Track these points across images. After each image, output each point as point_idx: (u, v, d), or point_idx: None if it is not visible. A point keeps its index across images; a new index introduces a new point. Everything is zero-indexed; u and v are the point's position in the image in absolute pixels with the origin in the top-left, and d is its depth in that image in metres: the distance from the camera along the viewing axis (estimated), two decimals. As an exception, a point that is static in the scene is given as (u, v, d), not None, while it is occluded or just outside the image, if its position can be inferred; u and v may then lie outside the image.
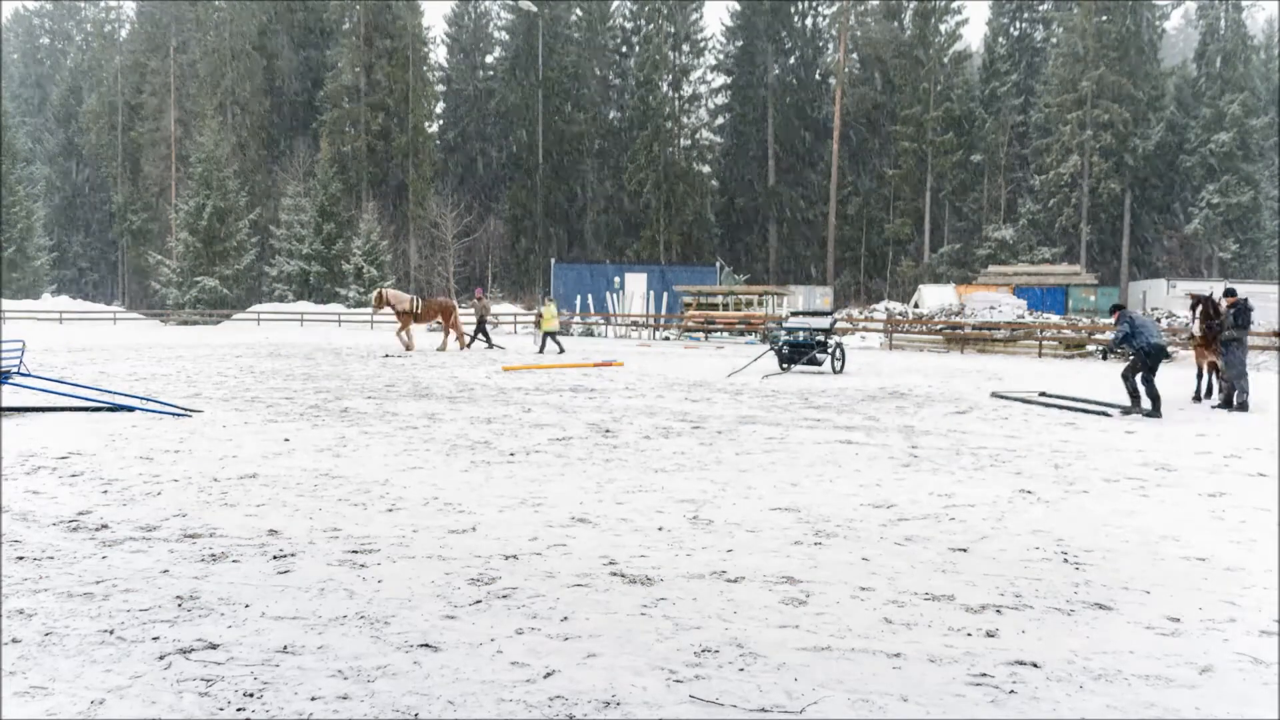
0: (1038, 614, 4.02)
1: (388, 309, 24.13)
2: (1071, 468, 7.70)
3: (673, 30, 59.72)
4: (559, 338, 23.55)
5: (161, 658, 3.40)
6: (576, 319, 41.43)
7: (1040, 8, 59.12)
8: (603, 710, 3.03)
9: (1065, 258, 52.04)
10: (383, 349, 24.92)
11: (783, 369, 18.31)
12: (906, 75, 55.06)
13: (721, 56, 64.29)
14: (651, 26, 59.44)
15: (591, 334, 39.70)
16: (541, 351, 22.41)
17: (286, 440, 8.57)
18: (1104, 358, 18.74)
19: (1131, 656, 3.55)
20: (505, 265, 61.09)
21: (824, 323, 19.10)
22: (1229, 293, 13.40)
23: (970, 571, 4.65)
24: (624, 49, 65.30)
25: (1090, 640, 3.71)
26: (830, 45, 62.67)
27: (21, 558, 4.66)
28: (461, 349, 23.95)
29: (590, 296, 43.65)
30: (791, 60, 62.84)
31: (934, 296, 39.65)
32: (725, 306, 38.72)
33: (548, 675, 3.29)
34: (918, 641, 3.67)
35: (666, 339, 36.83)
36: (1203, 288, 40.35)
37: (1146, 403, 11.73)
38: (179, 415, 10.23)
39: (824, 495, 6.44)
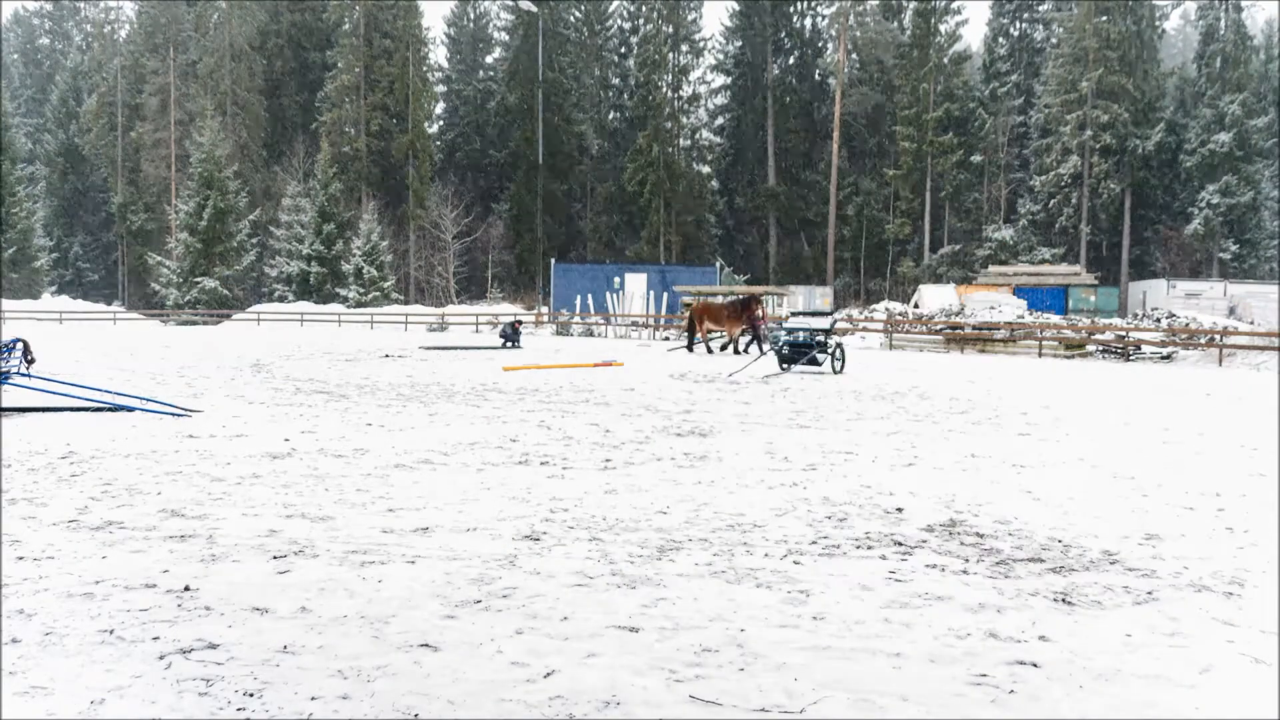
0: (1038, 614, 4.02)
1: None
2: (1073, 468, 7.70)
3: (671, 30, 59.74)
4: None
5: (161, 658, 3.40)
6: (576, 319, 41.45)
7: (1040, 8, 59.15)
8: (603, 710, 3.03)
9: (1065, 258, 52.07)
10: (381, 349, 24.93)
11: (783, 369, 18.31)
12: (906, 75, 55.07)
13: (721, 56, 64.33)
14: (650, 27, 59.47)
15: (591, 334, 39.72)
16: None
17: (286, 440, 8.57)
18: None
19: (1131, 656, 3.55)
20: (505, 265, 61.08)
21: (824, 323, 19.11)
22: None
23: (970, 571, 4.65)
24: (623, 49, 65.32)
25: (1090, 640, 3.71)
26: (830, 45, 62.68)
27: (21, 558, 4.66)
28: None
29: (590, 296, 43.69)
30: (791, 60, 62.86)
31: (934, 297, 39.68)
32: (725, 306, 38.67)
33: (548, 675, 3.29)
34: (917, 641, 3.67)
35: (666, 339, 36.84)
36: (1202, 288, 40.36)
37: None
38: (179, 415, 10.23)
39: (824, 495, 6.44)
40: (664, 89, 59.71)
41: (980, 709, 3.08)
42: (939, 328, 31.23)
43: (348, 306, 51.38)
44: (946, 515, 5.88)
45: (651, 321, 40.42)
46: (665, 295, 43.02)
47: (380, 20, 58.68)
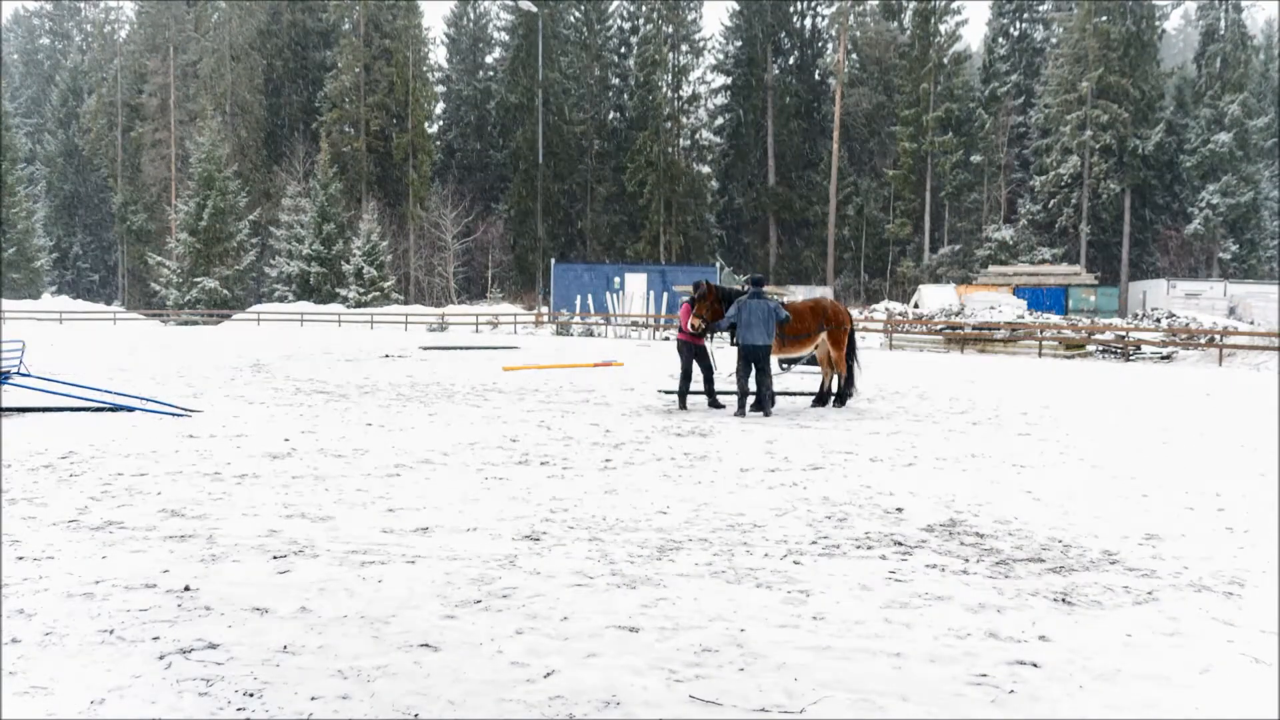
0: (1038, 614, 4.02)
1: None
2: (1073, 468, 7.70)
3: (671, 30, 59.72)
4: None
5: (161, 658, 3.39)
6: (576, 319, 41.44)
7: (1040, 8, 59.12)
8: (603, 710, 3.03)
9: (1065, 258, 52.04)
10: (381, 349, 24.92)
11: (782, 369, 18.30)
12: (906, 75, 55.03)
13: (721, 57, 64.28)
14: (650, 27, 59.43)
15: (591, 334, 39.71)
16: None
17: (286, 440, 8.57)
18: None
19: (1131, 656, 3.55)
20: (505, 265, 61.05)
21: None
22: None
23: (970, 571, 4.65)
24: (623, 49, 65.30)
25: (1090, 640, 3.71)
26: (830, 45, 62.64)
27: (21, 558, 4.66)
28: None
29: (590, 296, 43.68)
30: (791, 60, 62.82)
31: (934, 297, 39.66)
32: (725, 307, 38.58)
33: (548, 675, 3.29)
34: (917, 641, 3.67)
35: (666, 339, 36.82)
36: (1202, 288, 40.35)
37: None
38: (179, 415, 10.23)
39: (824, 495, 6.44)
40: (664, 89, 59.65)
41: (980, 709, 3.08)
42: (939, 328, 31.23)
43: (348, 306, 51.33)
44: (946, 515, 5.88)
45: (651, 321, 40.40)
46: (665, 295, 43.00)
47: (380, 20, 58.65)
